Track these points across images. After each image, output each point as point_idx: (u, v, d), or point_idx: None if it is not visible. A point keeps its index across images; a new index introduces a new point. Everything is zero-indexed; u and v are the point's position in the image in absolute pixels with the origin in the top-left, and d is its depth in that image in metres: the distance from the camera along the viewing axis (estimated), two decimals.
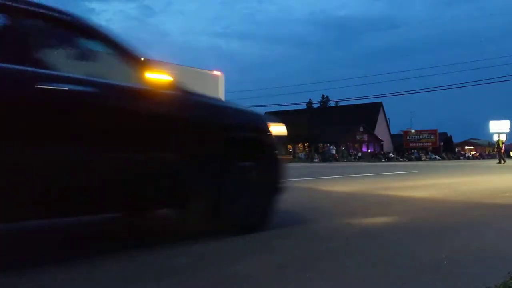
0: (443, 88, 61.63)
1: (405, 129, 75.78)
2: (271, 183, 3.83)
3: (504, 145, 30.55)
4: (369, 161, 40.48)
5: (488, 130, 58.89)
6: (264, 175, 3.77)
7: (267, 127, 3.88)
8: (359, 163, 34.31)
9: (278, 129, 4.00)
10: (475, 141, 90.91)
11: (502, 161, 27.28)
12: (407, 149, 68.86)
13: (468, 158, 66.15)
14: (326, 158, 44.17)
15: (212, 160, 3.35)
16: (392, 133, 75.94)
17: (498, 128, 51.92)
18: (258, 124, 3.95)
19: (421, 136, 72.39)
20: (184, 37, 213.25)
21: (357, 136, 57.10)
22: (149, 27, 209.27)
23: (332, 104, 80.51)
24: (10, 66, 2.50)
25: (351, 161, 43.28)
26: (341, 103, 72.90)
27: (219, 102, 4.26)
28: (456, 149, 76.71)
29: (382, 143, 65.19)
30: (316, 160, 44.86)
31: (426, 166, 23.87)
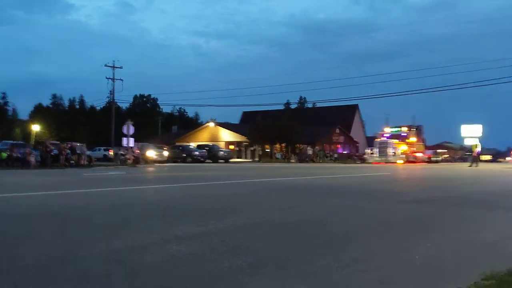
0: (417, 91, 62.37)
1: (380, 131, 76.87)
2: None
3: (479, 149, 30.99)
4: (344, 163, 40.84)
5: (460, 134, 60.12)
6: None
7: None
8: (333, 165, 34.61)
9: None
10: (448, 144, 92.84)
11: (474, 165, 27.70)
12: None
13: (441, 161, 67.44)
14: (302, 159, 44.37)
15: None
16: (367, 135, 76.91)
17: (470, 132, 53.04)
18: None
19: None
20: (164, 34, 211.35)
21: (334, 138, 57.58)
22: (129, 24, 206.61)
23: (310, 105, 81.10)
24: None
25: (327, 162, 43.58)
26: (318, 105, 73.50)
27: None
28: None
29: (357, 144, 65.94)
30: (292, 160, 45.02)
31: (397, 169, 24.22)
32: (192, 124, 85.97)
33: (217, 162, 40.41)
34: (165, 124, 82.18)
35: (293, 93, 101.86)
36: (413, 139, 44.25)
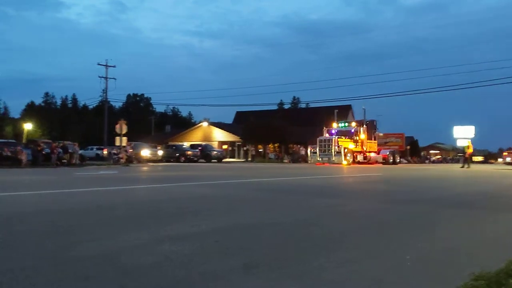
0: (410, 93, 62.70)
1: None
2: None
3: (471, 150, 31.13)
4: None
5: (452, 135, 60.56)
6: None
7: None
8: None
9: None
10: (440, 145, 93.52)
11: (466, 166, 27.85)
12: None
13: (433, 162, 67.92)
14: (295, 159, 44.45)
15: None
16: None
17: (462, 133, 53.31)
18: None
19: (388, 139, 73.93)
20: (156, 34, 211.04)
21: None
22: (121, 23, 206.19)
23: (303, 105, 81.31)
24: None
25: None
26: (311, 105, 73.70)
27: None
28: (422, 152, 78.70)
29: None
30: (285, 160, 45.09)
31: (389, 170, 24.31)
32: (185, 124, 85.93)
33: (210, 161, 40.39)
34: (159, 124, 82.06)
35: (286, 93, 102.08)
36: (363, 136, 37.18)
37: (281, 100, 76.87)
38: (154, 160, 36.52)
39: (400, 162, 40.73)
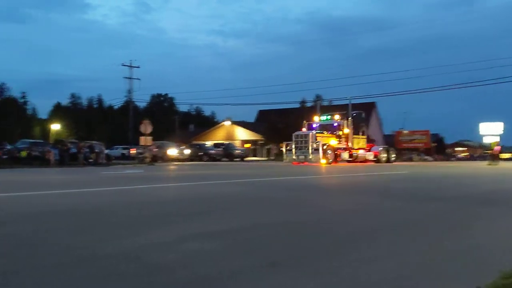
0: (436, 89, 61.73)
1: (397, 129, 76.26)
2: None
3: (499, 147, 30.49)
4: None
5: (479, 132, 59.27)
6: None
7: None
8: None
9: None
10: (467, 142, 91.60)
11: (494, 163, 27.33)
12: (400, 149, 69.31)
13: (460, 159, 66.59)
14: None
15: None
16: (384, 133, 76.32)
17: (489, 130, 52.11)
18: None
19: (413, 137, 72.91)
20: (180, 34, 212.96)
21: None
22: (146, 23, 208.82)
23: (326, 103, 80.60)
24: None
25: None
26: (334, 103, 73.08)
27: None
28: (448, 150, 77.28)
29: (374, 142, 65.46)
30: None
31: (412, 167, 23.97)
32: (208, 123, 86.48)
33: (232, 160, 40.55)
34: (182, 123, 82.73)
35: (308, 91, 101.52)
36: (347, 130, 31.93)
37: (303, 98, 76.40)
38: (180, 159, 36.88)
39: (395, 161, 36.29)
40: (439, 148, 72.48)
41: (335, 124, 31.74)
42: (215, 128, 69.32)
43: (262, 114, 74.07)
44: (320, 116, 34.44)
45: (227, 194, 7.29)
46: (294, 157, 29.45)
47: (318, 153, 28.23)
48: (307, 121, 33.12)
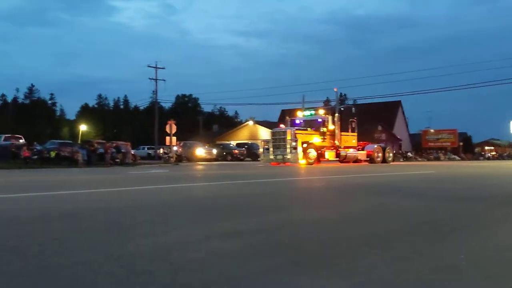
0: (462, 87, 60.57)
1: (424, 128, 75.01)
2: None
3: None
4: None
5: (509, 130, 57.78)
6: None
7: None
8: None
9: None
10: (495, 141, 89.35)
11: None
12: (426, 148, 68.14)
13: (488, 158, 65.00)
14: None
15: None
16: (410, 132, 75.18)
17: None
18: None
19: (440, 136, 71.57)
20: (204, 35, 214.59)
21: (375, 135, 56.61)
22: (170, 25, 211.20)
23: (350, 102, 79.86)
24: None
25: None
26: (359, 101, 72.37)
27: None
28: (476, 149, 75.56)
29: (400, 142, 64.53)
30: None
31: (440, 166, 23.53)
32: (232, 123, 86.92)
33: (256, 160, 40.59)
34: (206, 123, 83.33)
35: (333, 90, 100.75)
36: (332, 127, 28.40)
37: (327, 97, 75.84)
38: (207, 159, 37.11)
39: (393, 160, 32.63)
40: (466, 147, 70.91)
41: (319, 120, 28.45)
42: (238, 128, 69.57)
43: (285, 114, 73.91)
44: (303, 111, 30.68)
45: (251, 194, 7.29)
46: (271, 156, 26.88)
47: (297, 152, 25.48)
48: (290, 117, 30.32)
